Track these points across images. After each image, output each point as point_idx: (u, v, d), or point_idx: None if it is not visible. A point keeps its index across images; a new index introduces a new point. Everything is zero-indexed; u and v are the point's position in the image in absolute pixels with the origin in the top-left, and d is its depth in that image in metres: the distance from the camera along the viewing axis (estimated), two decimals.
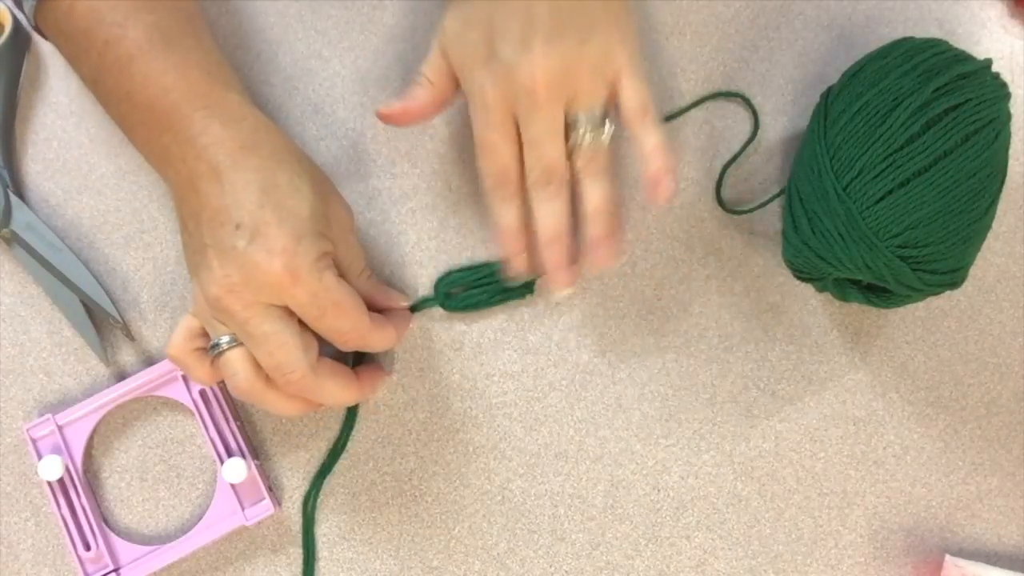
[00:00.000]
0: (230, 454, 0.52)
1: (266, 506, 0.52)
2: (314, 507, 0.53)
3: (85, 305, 0.54)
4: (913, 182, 0.47)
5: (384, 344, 0.49)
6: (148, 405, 0.54)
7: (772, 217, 0.56)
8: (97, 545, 0.51)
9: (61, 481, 0.52)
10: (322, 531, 0.53)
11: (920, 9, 0.58)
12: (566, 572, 0.53)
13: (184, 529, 0.53)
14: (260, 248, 0.44)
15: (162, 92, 0.46)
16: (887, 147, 0.48)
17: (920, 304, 0.55)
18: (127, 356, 0.55)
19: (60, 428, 0.53)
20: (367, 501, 0.54)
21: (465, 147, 0.56)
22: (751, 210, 0.56)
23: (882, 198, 0.47)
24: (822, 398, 0.55)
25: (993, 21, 0.58)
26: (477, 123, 0.47)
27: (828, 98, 0.52)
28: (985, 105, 0.48)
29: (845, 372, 0.55)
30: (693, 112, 0.57)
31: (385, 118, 0.50)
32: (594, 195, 0.48)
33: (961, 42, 0.57)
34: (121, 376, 0.54)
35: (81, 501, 0.52)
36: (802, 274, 0.52)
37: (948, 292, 0.52)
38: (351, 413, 0.54)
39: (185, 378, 0.53)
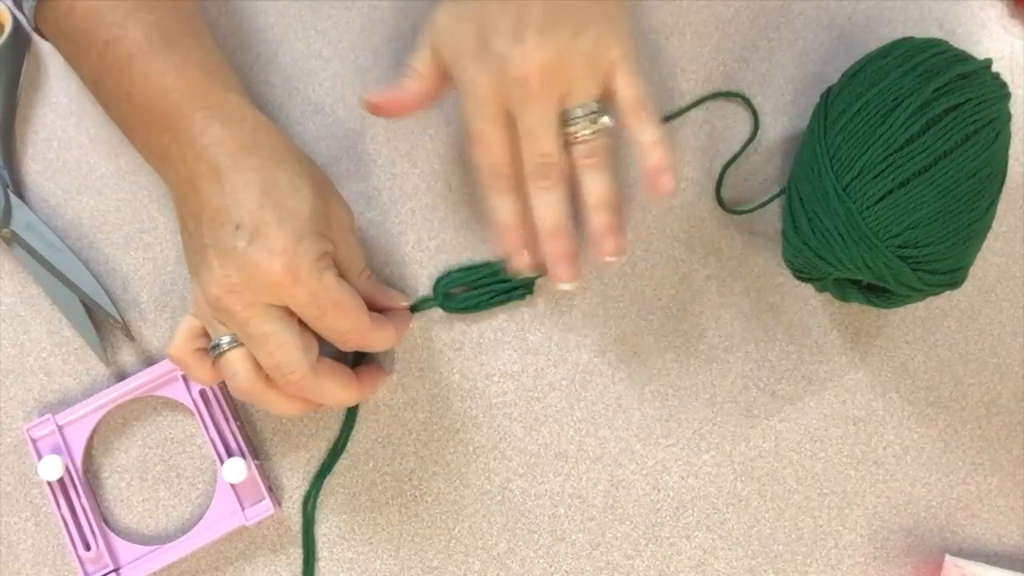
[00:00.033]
0: (230, 454, 0.52)
1: (266, 506, 0.52)
2: (314, 507, 0.53)
3: (85, 305, 0.54)
4: (913, 182, 0.47)
5: (384, 344, 0.49)
6: (148, 405, 0.54)
7: (772, 217, 0.56)
8: (97, 545, 0.51)
9: (61, 481, 0.52)
10: (322, 531, 0.53)
11: (920, 9, 0.58)
12: (566, 572, 0.53)
13: (184, 529, 0.53)
14: (260, 248, 0.44)
15: (162, 92, 0.46)
16: (887, 147, 0.48)
17: (920, 304, 0.55)
18: (127, 356, 0.55)
19: (60, 428, 0.53)
20: (367, 501, 0.54)
21: (465, 147, 0.56)
22: (751, 210, 0.56)
23: (882, 198, 0.47)
24: (822, 398, 0.55)
25: (993, 21, 0.58)
26: (470, 115, 0.47)
27: (828, 98, 0.52)
28: (985, 105, 0.48)
29: (845, 372, 0.55)
30: (693, 112, 0.57)
31: (371, 107, 0.50)
32: (595, 188, 0.47)
33: (961, 42, 0.57)
34: (121, 376, 0.54)
35: (81, 501, 0.52)
36: (802, 274, 0.52)
37: (948, 292, 0.52)
38: (351, 413, 0.54)
39: (185, 378, 0.53)
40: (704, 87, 0.57)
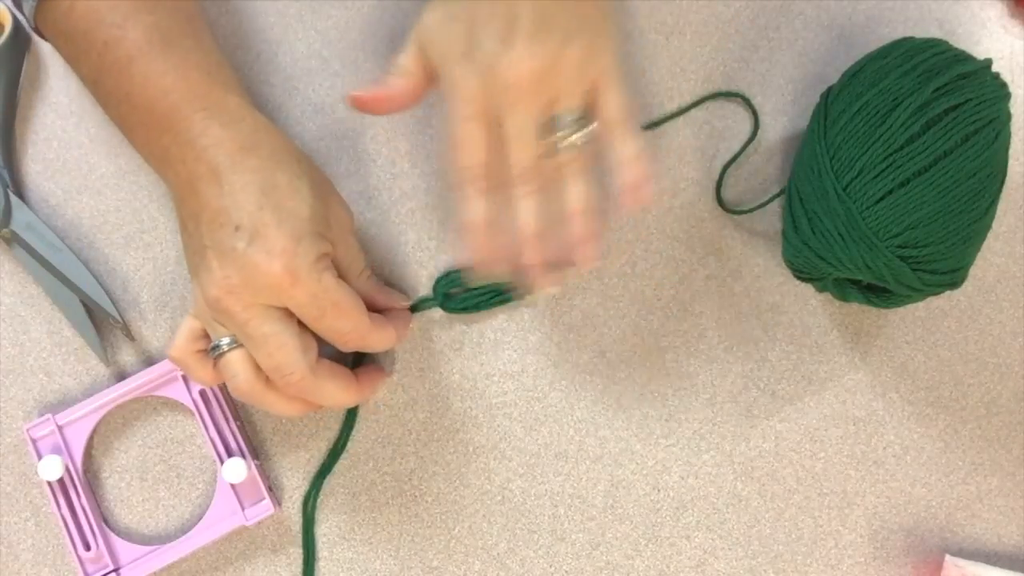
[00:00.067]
0: (230, 454, 0.52)
1: (266, 506, 0.52)
2: (314, 507, 0.53)
3: (85, 305, 0.54)
4: (913, 182, 0.47)
5: (384, 344, 0.49)
6: (148, 405, 0.54)
7: (772, 217, 0.56)
8: (97, 545, 0.51)
9: (61, 481, 0.52)
10: (322, 531, 0.53)
11: (920, 9, 0.58)
12: (566, 572, 0.53)
13: (184, 529, 0.53)
14: (259, 249, 0.44)
15: (162, 93, 0.46)
16: (887, 147, 0.48)
17: (920, 304, 0.55)
18: (127, 356, 0.55)
19: (60, 428, 0.53)
20: (367, 501, 0.54)
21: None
22: (751, 210, 0.56)
23: (882, 198, 0.47)
24: (822, 398, 0.55)
25: (993, 21, 0.58)
26: (453, 115, 0.47)
27: (828, 98, 0.52)
28: (985, 105, 0.48)
29: (845, 372, 0.55)
30: (693, 112, 0.57)
31: (357, 103, 0.49)
32: (575, 196, 0.47)
33: (961, 42, 0.57)
34: (121, 376, 0.54)
35: (81, 501, 0.52)
36: (802, 274, 0.52)
37: (948, 292, 0.52)
38: (351, 413, 0.54)
39: (185, 378, 0.53)
40: (704, 87, 0.57)
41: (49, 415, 0.52)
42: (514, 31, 0.45)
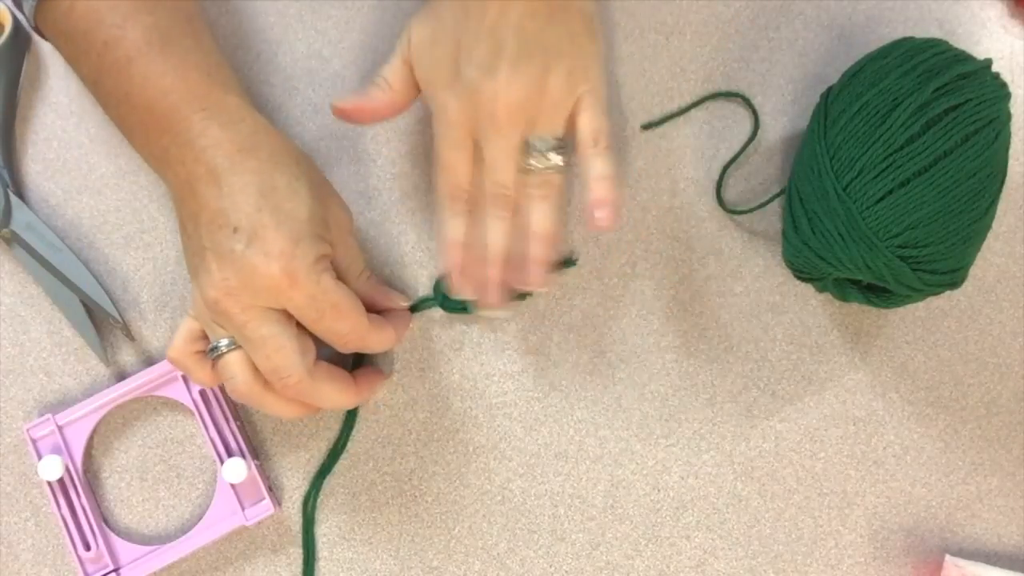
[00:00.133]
0: (230, 454, 0.52)
1: (266, 506, 0.52)
2: (314, 507, 0.53)
3: (85, 305, 0.54)
4: (913, 182, 0.47)
5: (383, 345, 0.49)
6: (148, 405, 0.54)
7: (772, 217, 0.56)
8: (97, 545, 0.51)
9: (61, 481, 0.52)
10: (322, 531, 0.53)
11: (920, 9, 0.58)
12: (566, 572, 0.53)
13: (184, 529, 0.53)
14: (258, 251, 0.44)
15: (161, 94, 0.46)
16: (887, 147, 0.48)
17: (920, 304, 0.55)
18: (127, 356, 0.55)
19: (60, 428, 0.53)
20: (367, 501, 0.54)
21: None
22: (751, 210, 0.56)
23: (882, 198, 0.47)
24: (822, 398, 0.55)
25: (993, 21, 0.58)
26: (438, 140, 0.49)
27: (828, 98, 0.51)
28: (985, 105, 0.48)
29: (845, 372, 0.55)
30: (693, 112, 0.57)
31: (339, 112, 0.51)
32: (539, 219, 0.49)
33: (961, 42, 0.57)
34: (121, 376, 0.54)
35: (81, 501, 0.52)
36: (802, 274, 0.52)
37: (948, 292, 0.52)
38: (351, 413, 0.54)
39: (185, 378, 0.53)
40: (704, 87, 0.57)
41: (49, 415, 0.52)
42: (497, 59, 0.46)
